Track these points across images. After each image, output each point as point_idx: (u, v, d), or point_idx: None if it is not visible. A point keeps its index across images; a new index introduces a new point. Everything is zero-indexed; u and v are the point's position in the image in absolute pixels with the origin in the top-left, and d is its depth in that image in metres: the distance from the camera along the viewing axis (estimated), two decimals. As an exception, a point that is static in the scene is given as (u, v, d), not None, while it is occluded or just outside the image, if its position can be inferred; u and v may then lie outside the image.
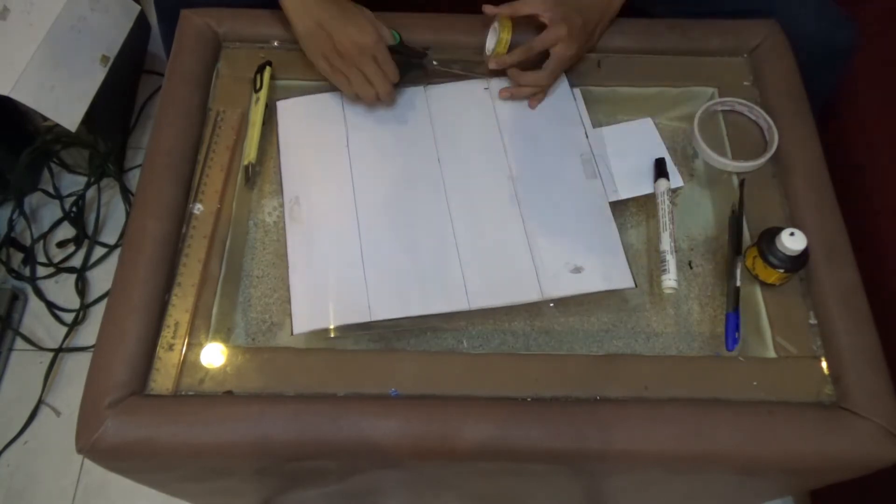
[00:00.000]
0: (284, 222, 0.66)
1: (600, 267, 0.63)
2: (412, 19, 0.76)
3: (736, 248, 0.65)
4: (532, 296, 0.62)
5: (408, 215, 0.66)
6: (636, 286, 0.63)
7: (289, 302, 0.62)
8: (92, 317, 1.19)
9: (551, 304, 0.63)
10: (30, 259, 1.21)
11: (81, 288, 1.20)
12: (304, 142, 0.71)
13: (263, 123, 0.71)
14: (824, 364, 0.60)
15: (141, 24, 1.32)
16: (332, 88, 0.72)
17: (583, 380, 0.59)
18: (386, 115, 0.72)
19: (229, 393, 0.57)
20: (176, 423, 0.55)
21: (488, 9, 0.69)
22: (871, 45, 0.83)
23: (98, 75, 1.18)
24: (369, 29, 0.65)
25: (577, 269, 0.63)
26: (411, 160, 0.70)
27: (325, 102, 0.74)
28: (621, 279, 0.63)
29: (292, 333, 0.60)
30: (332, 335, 0.62)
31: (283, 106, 0.74)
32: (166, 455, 0.55)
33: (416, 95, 0.74)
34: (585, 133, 0.71)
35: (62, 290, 1.20)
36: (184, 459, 0.57)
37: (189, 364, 0.59)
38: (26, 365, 1.14)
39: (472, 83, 0.74)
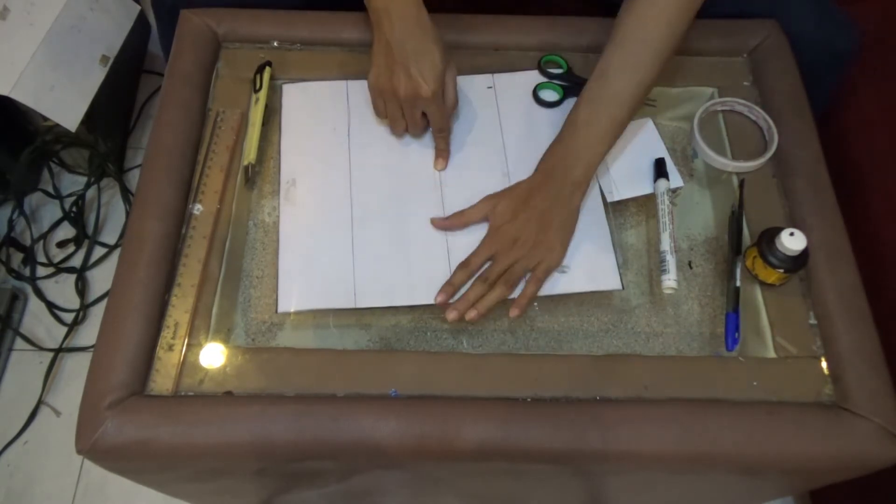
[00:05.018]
0: (279, 203, 0.67)
1: (587, 268, 0.64)
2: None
3: (736, 248, 0.65)
4: (517, 292, 0.62)
5: (401, 206, 0.67)
6: (623, 287, 0.63)
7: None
8: (92, 317, 1.19)
9: (536, 305, 0.64)
10: (30, 259, 1.21)
11: (81, 288, 1.20)
12: (306, 126, 0.72)
13: (263, 124, 0.71)
14: (824, 364, 0.60)
15: (141, 24, 1.31)
16: (337, 78, 0.74)
17: (583, 380, 0.59)
18: None
19: (229, 393, 0.57)
20: (176, 424, 0.55)
21: (437, 223, 0.65)
22: (871, 45, 0.83)
23: (98, 75, 1.18)
24: (429, 80, 0.63)
25: (563, 269, 0.64)
26: (409, 153, 0.70)
27: (331, 90, 0.74)
28: (608, 280, 0.63)
29: (276, 311, 0.62)
30: (332, 327, 0.63)
31: (288, 89, 0.74)
32: (166, 455, 0.55)
33: None
34: None
35: (62, 290, 1.20)
36: (184, 460, 0.57)
37: (189, 364, 0.59)
38: (26, 365, 1.14)
39: (476, 80, 0.74)
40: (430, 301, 0.62)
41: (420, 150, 0.71)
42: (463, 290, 0.62)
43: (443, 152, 0.69)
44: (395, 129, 0.69)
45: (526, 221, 0.63)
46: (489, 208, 0.65)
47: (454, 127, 0.71)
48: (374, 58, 0.65)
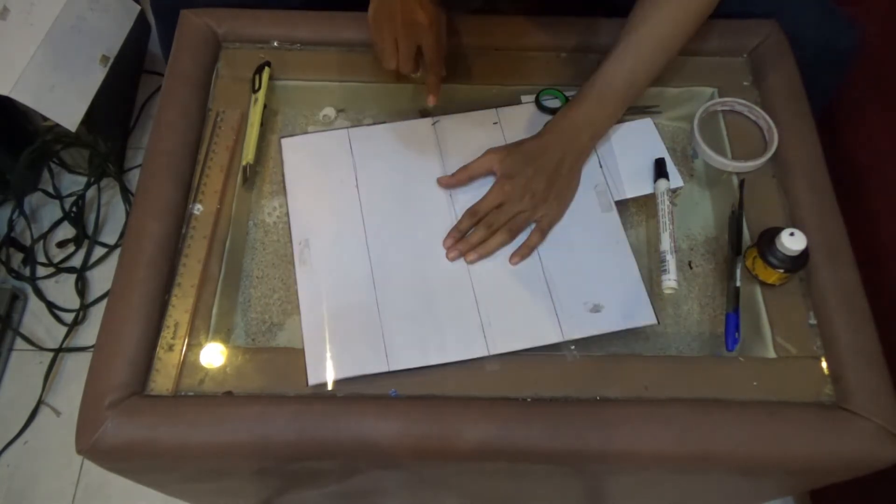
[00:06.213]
0: (294, 266, 0.64)
1: (620, 304, 0.62)
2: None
3: (736, 248, 0.65)
4: (552, 338, 0.61)
5: (422, 258, 0.65)
6: (658, 322, 0.62)
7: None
8: (92, 317, 1.19)
9: (573, 347, 0.61)
10: (30, 259, 1.21)
11: (81, 288, 1.20)
12: (311, 183, 0.69)
13: (262, 124, 0.71)
14: (824, 364, 0.60)
15: (141, 24, 1.32)
16: (337, 127, 0.72)
17: (583, 380, 0.59)
18: (395, 152, 0.71)
19: (229, 393, 0.57)
20: (176, 424, 0.55)
21: (443, 181, 0.68)
22: (872, 45, 0.83)
23: (98, 75, 1.18)
24: (426, 7, 0.63)
25: (597, 308, 0.62)
26: (423, 200, 0.68)
27: (332, 141, 0.71)
28: (643, 316, 0.62)
29: (307, 385, 0.58)
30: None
31: (287, 143, 0.71)
32: (166, 455, 0.55)
33: (424, 130, 0.72)
34: (599, 163, 0.70)
35: (62, 290, 1.20)
36: (184, 460, 0.57)
37: (189, 364, 0.59)
38: (26, 365, 1.14)
39: (480, 116, 0.73)
40: (465, 356, 0.60)
41: (434, 194, 0.68)
42: None
43: (434, 86, 0.69)
44: (387, 63, 0.68)
45: (535, 175, 0.65)
46: (494, 162, 0.67)
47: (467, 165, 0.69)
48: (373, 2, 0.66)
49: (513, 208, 0.65)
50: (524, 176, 0.65)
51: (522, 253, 0.65)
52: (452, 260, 0.64)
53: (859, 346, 0.59)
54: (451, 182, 0.68)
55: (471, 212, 0.66)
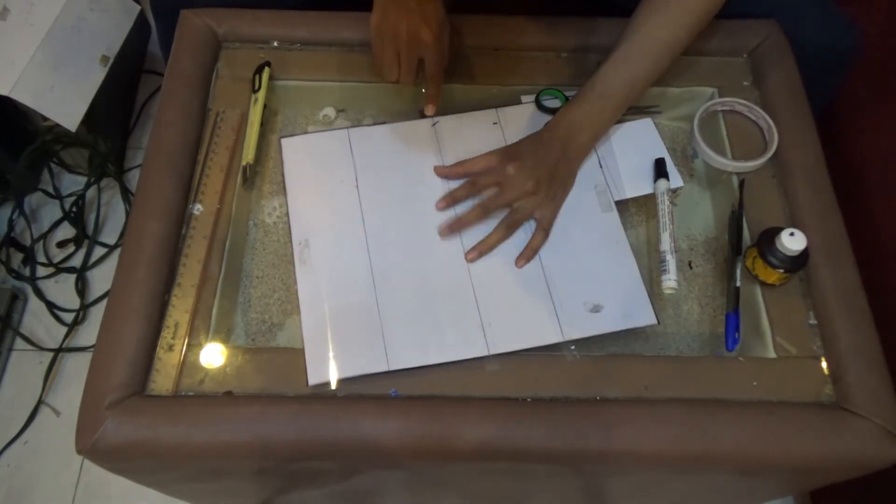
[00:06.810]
0: (294, 266, 0.64)
1: (620, 304, 0.62)
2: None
3: (736, 248, 0.65)
4: (552, 338, 0.61)
5: (422, 259, 0.65)
6: (658, 322, 0.62)
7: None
8: (92, 317, 1.19)
9: (573, 347, 0.61)
10: (30, 259, 1.21)
11: (81, 288, 1.20)
12: (311, 183, 0.69)
13: (262, 124, 0.71)
14: (824, 364, 0.60)
15: (141, 24, 1.32)
16: (337, 127, 0.72)
17: (583, 380, 0.59)
18: (395, 153, 0.71)
19: (229, 393, 0.57)
20: (176, 424, 0.55)
21: (439, 170, 0.69)
22: (872, 45, 0.83)
23: (98, 75, 1.18)
24: (431, 24, 0.64)
25: (597, 308, 0.62)
26: (423, 200, 0.68)
27: (332, 141, 0.71)
28: (643, 316, 0.62)
29: (307, 385, 0.58)
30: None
31: (287, 143, 0.71)
32: (166, 455, 0.55)
33: (424, 130, 0.72)
34: (599, 163, 0.70)
35: (62, 290, 1.20)
36: (184, 460, 0.57)
37: (189, 364, 0.59)
38: (26, 365, 1.14)
39: (480, 116, 0.73)
40: (465, 356, 0.60)
41: (434, 195, 0.68)
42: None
43: (433, 98, 0.70)
44: (388, 75, 0.68)
45: (534, 167, 0.65)
46: (492, 161, 0.67)
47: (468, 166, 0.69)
48: (377, 1, 0.65)
49: (509, 193, 0.65)
50: (523, 165, 0.65)
51: (527, 255, 0.65)
52: (443, 236, 0.65)
53: (859, 346, 0.59)
54: (447, 173, 0.69)
55: (468, 183, 0.67)
